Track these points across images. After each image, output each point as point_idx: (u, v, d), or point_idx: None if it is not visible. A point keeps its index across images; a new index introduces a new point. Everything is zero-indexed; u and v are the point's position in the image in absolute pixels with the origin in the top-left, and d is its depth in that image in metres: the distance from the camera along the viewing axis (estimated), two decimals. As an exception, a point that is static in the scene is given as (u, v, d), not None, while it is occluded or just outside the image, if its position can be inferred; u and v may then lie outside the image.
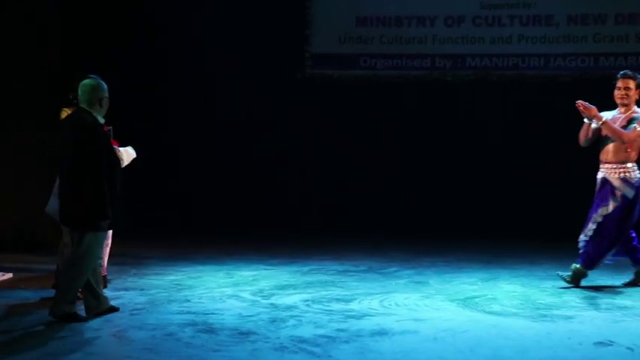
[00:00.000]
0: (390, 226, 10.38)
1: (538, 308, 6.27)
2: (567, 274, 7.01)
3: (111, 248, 6.77)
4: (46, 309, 6.08)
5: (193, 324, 5.69)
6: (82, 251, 5.72)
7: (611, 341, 5.29)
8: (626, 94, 6.89)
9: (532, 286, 7.06)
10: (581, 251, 6.99)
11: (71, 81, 6.44)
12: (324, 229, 10.25)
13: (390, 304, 6.35)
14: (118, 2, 10.64)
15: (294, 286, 7.06)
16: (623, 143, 6.79)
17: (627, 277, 7.55)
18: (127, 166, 6.30)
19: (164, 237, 9.85)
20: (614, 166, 6.87)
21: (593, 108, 6.84)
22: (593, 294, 6.81)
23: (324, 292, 6.80)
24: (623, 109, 6.92)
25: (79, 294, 5.96)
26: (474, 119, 10.61)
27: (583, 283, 7.10)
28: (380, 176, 10.67)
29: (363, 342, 5.25)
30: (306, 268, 7.96)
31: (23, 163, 9.10)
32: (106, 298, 6.00)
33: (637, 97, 6.95)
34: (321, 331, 5.49)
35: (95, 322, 5.75)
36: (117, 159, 5.92)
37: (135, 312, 6.05)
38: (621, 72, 7.06)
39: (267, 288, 6.98)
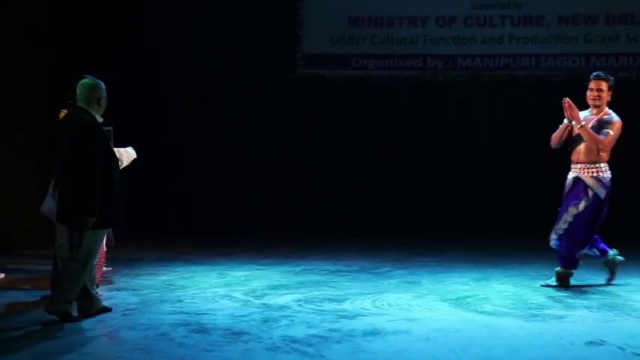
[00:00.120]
0: (382, 226, 10.39)
1: (530, 308, 6.28)
2: (552, 280, 7.05)
3: (106, 252, 6.77)
4: (39, 309, 6.08)
5: (186, 324, 5.68)
6: (81, 250, 5.72)
7: (602, 341, 5.31)
8: (599, 96, 6.90)
9: (524, 286, 7.08)
10: (593, 253, 7.07)
11: (69, 82, 6.48)
12: (317, 230, 10.25)
13: (383, 304, 6.36)
14: (116, 4, 10.62)
15: (286, 287, 7.06)
16: (598, 149, 6.83)
17: (618, 277, 7.58)
18: (127, 166, 6.32)
19: (156, 237, 9.83)
20: (587, 166, 6.91)
21: (576, 110, 6.86)
22: (584, 294, 6.83)
23: (317, 292, 6.80)
24: (595, 111, 6.95)
25: None
26: (466, 119, 10.63)
27: (573, 282, 7.13)
28: (372, 176, 10.69)
29: (355, 342, 5.26)
30: (298, 268, 7.96)
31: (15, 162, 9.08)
32: (98, 298, 5.99)
33: (609, 98, 6.97)
34: (313, 331, 5.49)
35: (88, 323, 5.74)
36: (115, 159, 5.91)
37: (127, 312, 6.04)
38: (594, 73, 7.06)
39: (259, 288, 6.98)
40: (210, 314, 5.98)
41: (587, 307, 6.30)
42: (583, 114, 6.97)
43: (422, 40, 10.72)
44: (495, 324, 5.78)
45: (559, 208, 7.00)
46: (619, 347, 5.18)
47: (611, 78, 7.00)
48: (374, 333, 5.47)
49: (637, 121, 10.37)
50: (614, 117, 6.93)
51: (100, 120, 5.85)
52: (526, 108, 10.31)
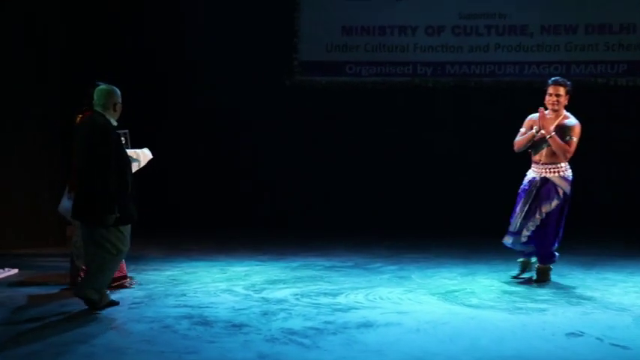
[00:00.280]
0: (374, 225, 10.40)
1: (514, 301, 6.31)
2: (532, 273, 7.07)
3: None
4: (51, 302, 6.10)
5: (189, 317, 5.69)
6: (98, 244, 5.78)
7: (581, 332, 5.34)
8: (557, 101, 6.90)
9: (508, 281, 7.10)
10: (529, 249, 7.04)
11: (84, 89, 6.57)
12: (313, 228, 10.25)
13: (375, 298, 6.37)
14: (116, 11, 10.62)
15: (284, 281, 7.07)
16: (565, 155, 6.86)
17: (596, 272, 7.63)
18: (143, 167, 6.39)
19: (161, 235, 9.83)
20: (553, 167, 6.93)
21: (548, 120, 6.85)
22: (565, 288, 6.86)
23: (313, 287, 6.81)
24: (553, 115, 6.94)
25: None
26: (454, 123, 10.65)
27: (555, 278, 7.16)
28: (365, 177, 10.69)
29: (349, 333, 5.28)
30: (295, 264, 7.97)
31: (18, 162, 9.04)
32: (107, 293, 6.01)
33: (566, 102, 6.96)
34: (309, 324, 5.51)
35: (95, 315, 5.75)
36: (128, 161, 5.98)
37: (134, 306, 6.05)
38: (552, 79, 7.03)
39: (258, 283, 6.99)
40: (212, 307, 5.99)
41: (567, 301, 6.33)
42: (536, 115, 6.98)
43: (412, 48, 10.74)
44: (481, 316, 5.80)
45: (522, 207, 6.91)
46: (597, 338, 5.21)
47: (569, 83, 6.98)
48: (367, 325, 5.49)
49: (615, 124, 10.45)
50: (573, 120, 6.93)
51: (115, 124, 5.90)
52: (510, 112, 10.28)
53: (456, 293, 6.58)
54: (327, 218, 10.55)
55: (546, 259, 7.03)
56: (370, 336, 5.23)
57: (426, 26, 10.71)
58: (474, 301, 6.32)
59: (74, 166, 6.54)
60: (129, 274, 6.87)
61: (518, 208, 7.00)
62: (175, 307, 6.01)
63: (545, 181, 6.93)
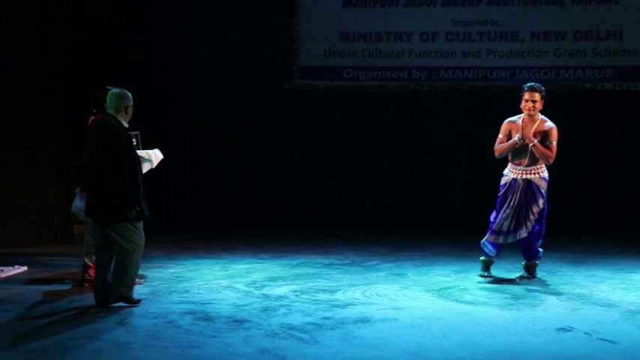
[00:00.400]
0: (371, 223, 10.39)
1: (505, 297, 6.30)
2: (522, 274, 7.06)
3: None
4: (59, 299, 6.08)
5: (192, 313, 5.68)
6: (120, 242, 5.81)
7: (571, 327, 5.34)
8: (533, 106, 6.86)
9: (500, 278, 7.09)
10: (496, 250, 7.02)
11: (93, 92, 6.60)
12: (312, 227, 10.24)
13: (372, 295, 6.36)
14: (119, 15, 10.61)
15: (284, 278, 7.06)
16: (548, 161, 6.86)
17: (585, 269, 7.62)
18: (153, 167, 6.41)
19: (165, 234, 9.81)
20: (534, 168, 6.92)
21: (530, 129, 6.83)
22: (555, 284, 6.85)
23: (312, 284, 6.80)
24: (528, 119, 6.90)
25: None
26: (447, 125, 10.65)
27: (545, 275, 7.15)
28: (363, 177, 10.68)
29: (347, 329, 5.27)
30: (295, 262, 7.96)
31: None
32: (112, 289, 5.99)
33: (541, 107, 6.93)
34: (308, 319, 5.50)
35: (102, 311, 5.74)
36: (138, 161, 6.01)
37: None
38: (528, 85, 6.96)
39: (259, 280, 6.98)
40: (214, 304, 5.98)
41: (557, 297, 6.32)
42: (515, 119, 6.96)
43: (407, 53, 10.74)
44: (474, 312, 5.79)
45: (511, 207, 6.89)
46: (586, 333, 5.21)
47: (543, 88, 6.94)
48: (364, 321, 5.48)
49: (602, 126, 10.46)
50: (550, 124, 6.92)
51: (126, 126, 5.93)
52: (502, 115, 10.27)
53: (450, 290, 6.58)
54: (326, 217, 10.54)
55: (533, 255, 7.04)
56: (367, 331, 5.22)
57: (420, 32, 10.71)
58: (468, 297, 6.31)
59: (85, 166, 6.57)
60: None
61: (507, 209, 6.93)
62: (179, 303, 5.99)
63: (527, 182, 6.92)
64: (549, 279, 7.09)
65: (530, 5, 10.52)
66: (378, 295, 6.33)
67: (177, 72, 10.79)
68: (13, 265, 7.43)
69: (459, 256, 8.25)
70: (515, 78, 10.50)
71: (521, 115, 6.96)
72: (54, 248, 8.73)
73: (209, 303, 6.00)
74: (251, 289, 6.54)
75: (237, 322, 5.41)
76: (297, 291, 6.47)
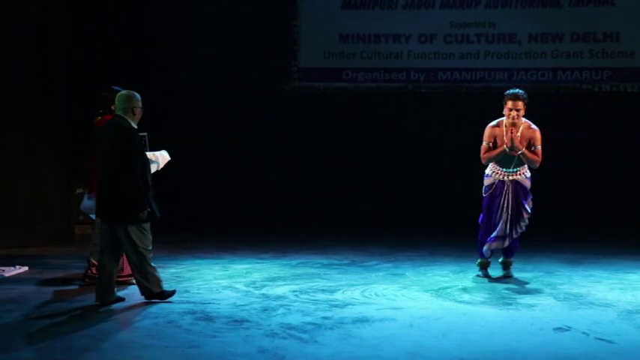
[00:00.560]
0: (370, 224, 10.38)
1: (503, 297, 6.30)
2: (506, 272, 7.06)
3: None
4: (59, 299, 6.07)
5: (192, 312, 5.68)
6: (132, 241, 5.82)
7: (568, 327, 5.33)
8: (518, 115, 6.84)
9: (498, 278, 7.08)
10: (504, 246, 7.01)
11: (98, 93, 6.61)
12: (311, 227, 10.24)
13: (371, 294, 6.36)
14: (119, 17, 10.60)
15: (283, 278, 7.05)
16: (536, 166, 6.89)
17: (582, 269, 7.61)
18: (159, 168, 6.43)
19: (165, 234, 9.80)
20: (517, 170, 6.94)
21: (518, 138, 6.82)
22: (552, 284, 6.85)
23: (311, 284, 6.79)
24: (511, 123, 6.86)
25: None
26: (446, 126, 10.64)
27: (542, 275, 7.15)
28: (361, 178, 10.67)
29: (346, 328, 5.26)
30: (294, 262, 7.95)
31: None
32: (114, 290, 5.99)
33: (524, 112, 6.90)
34: (308, 319, 5.50)
35: (103, 311, 5.73)
36: (148, 163, 6.03)
37: (138, 302, 6.02)
38: (510, 93, 6.87)
39: (259, 280, 6.97)
40: (214, 304, 5.98)
41: (554, 297, 6.32)
42: (495, 124, 6.93)
43: (406, 55, 10.74)
44: (472, 312, 5.79)
45: (505, 210, 6.88)
46: (583, 333, 5.20)
47: (526, 95, 6.88)
48: (363, 320, 5.47)
49: (599, 127, 10.46)
50: (534, 127, 6.91)
51: (135, 127, 5.95)
52: (500, 115, 10.28)
53: (449, 290, 6.57)
54: (325, 218, 10.53)
55: (512, 253, 7.08)
56: (366, 331, 5.21)
57: (419, 34, 10.71)
58: (466, 297, 6.31)
59: (92, 167, 6.57)
60: None
61: (502, 213, 6.91)
62: (179, 303, 5.98)
63: (515, 183, 6.94)
64: (547, 279, 7.08)
65: (527, 7, 10.52)
66: (377, 295, 6.32)
67: (177, 73, 10.78)
68: (14, 266, 7.42)
69: (457, 257, 8.24)
70: (512, 79, 10.50)
71: (502, 119, 6.94)
72: (55, 248, 8.72)
73: (209, 303, 5.99)
74: (251, 289, 6.54)
75: (237, 322, 5.40)
76: (296, 291, 6.47)
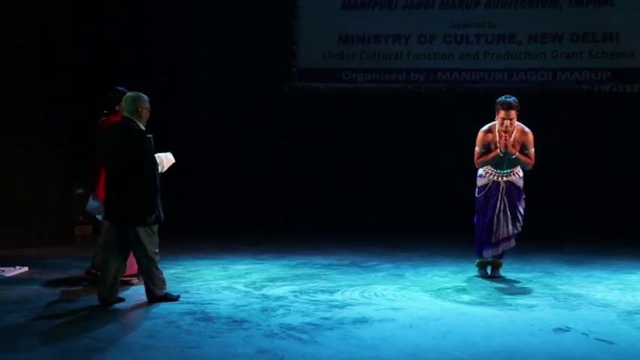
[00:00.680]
0: (370, 224, 10.37)
1: (503, 298, 6.29)
2: (497, 273, 7.09)
3: None
4: (58, 299, 6.06)
5: (192, 313, 5.67)
6: (141, 243, 5.84)
7: (568, 327, 5.33)
8: (511, 124, 6.83)
9: (497, 278, 7.08)
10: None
11: (104, 94, 6.62)
12: (311, 228, 10.23)
13: (370, 295, 6.35)
14: (118, 17, 10.60)
15: (283, 279, 7.05)
16: (530, 167, 6.93)
17: (582, 270, 7.60)
18: (163, 170, 6.44)
19: (164, 235, 9.78)
20: (510, 171, 6.96)
21: (511, 142, 6.83)
22: (552, 285, 6.84)
23: (311, 284, 6.79)
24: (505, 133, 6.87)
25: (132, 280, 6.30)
26: (445, 127, 10.63)
27: (542, 275, 7.14)
28: (361, 179, 10.67)
29: (345, 329, 5.26)
30: (294, 263, 7.94)
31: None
32: (117, 290, 5.98)
33: (517, 118, 6.90)
34: (307, 319, 5.49)
35: (103, 312, 5.73)
36: (156, 165, 6.03)
37: (139, 302, 6.02)
38: (504, 102, 6.80)
39: (258, 280, 6.97)
40: (214, 304, 5.97)
41: (554, 297, 6.31)
42: (487, 128, 6.92)
43: (405, 55, 10.73)
44: (472, 312, 5.78)
45: (503, 214, 6.90)
46: (583, 333, 5.20)
47: (518, 103, 6.85)
48: (362, 321, 5.46)
49: (599, 128, 10.45)
50: (526, 130, 6.92)
51: (143, 128, 5.94)
52: (499, 117, 10.29)
53: (448, 290, 6.57)
54: (325, 218, 10.53)
55: (503, 254, 7.07)
56: (365, 331, 5.21)
57: (418, 35, 10.71)
58: (465, 297, 6.30)
59: (96, 168, 6.57)
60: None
61: (500, 215, 6.92)
62: (179, 303, 5.98)
63: (509, 184, 6.96)
64: (547, 279, 7.08)
65: (527, 8, 10.52)
66: (377, 296, 6.32)
67: (177, 73, 10.77)
68: (14, 266, 7.41)
69: (457, 257, 8.24)
70: (512, 80, 10.51)
71: (494, 123, 6.94)
72: (55, 249, 8.71)
73: (209, 303, 5.99)
74: (250, 290, 6.53)
75: (237, 323, 5.40)
76: (296, 291, 6.46)
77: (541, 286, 6.76)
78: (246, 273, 7.33)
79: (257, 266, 7.72)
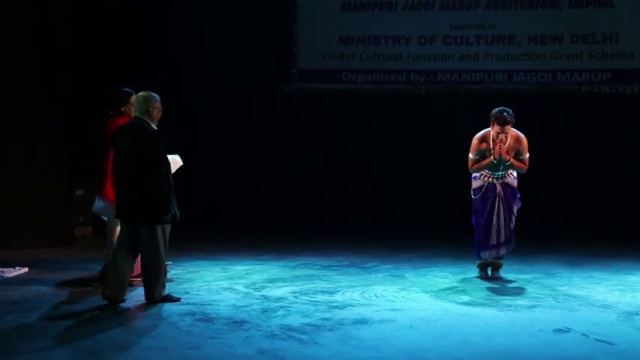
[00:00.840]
0: (370, 225, 10.38)
1: (503, 299, 6.29)
2: (497, 274, 7.10)
3: None
4: (58, 299, 6.06)
5: (192, 314, 5.67)
6: (156, 243, 5.87)
7: (568, 328, 5.33)
8: (506, 137, 6.84)
9: (497, 279, 7.08)
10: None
11: (111, 94, 6.63)
12: (311, 228, 10.23)
13: (370, 296, 6.35)
14: (118, 17, 10.61)
15: (283, 280, 7.05)
16: (524, 171, 6.97)
17: (582, 271, 7.60)
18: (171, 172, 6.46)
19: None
20: (507, 172, 6.99)
21: (505, 148, 6.85)
22: (552, 286, 6.84)
23: (311, 285, 6.79)
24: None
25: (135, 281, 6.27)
26: (445, 128, 10.63)
27: (542, 276, 7.14)
28: (361, 179, 10.68)
29: (345, 330, 5.26)
30: (294, 263, 7.94)
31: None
32: (125, 290, 6.00)
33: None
34: (307, 320, 5.49)
35: (104, 312, 5.73)
36: (169, 163, 6.05)
37: (139, 302, 6.02)
38: (499, 116, 6.76)
39: (259, 281, 6.97)
40: (214, 305, 5.97)
41: (554, 298, 6.31)
42: (482, 135, 6.94)
43: (405, 56, 10.74)
44: (472, 313, 5.78)
45: (499, 216, 6.93)
46: (583, 334, 5.20)
47: (513, 115, 6.83)
48: (362, 322, 5.46)
49: (599, 129, 10.46)
50: (520, 136, 6.93)
51: (155, 128, 5.94)
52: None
53: (448, 291, 6.57)
54: (324, 219, 10.53)
55: (502, 255, 7.09)
56: (365, 332, 5.21)
57: (418, 36, 10.72)
58: (465, 298, 6.30)
59: (101, 168, 6.56)
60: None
61: (497, 217, 6.94)
62: (179, 304, 5.98)
63: (504, 185, 7.00)
64: (547, 280, 7.08)
65: (527, 9, 10.53)
66: (377, 297, 6.32)
67: (177, 74, 10.77)
68: (14, 267, 7.41)
69: (457, 258, 8.24)
70: (512, 81, 10.52)
71: (489, 130, 6.95)
72: (55, 249, 8.71)
73: (209, 304, 5.99)
74: (250, 291, 6.53)
75: (237, 323, 5.40)
76: (296, 292, 6.46)
77: (541, 287, 6.76)
78: (247, 274, 7.33)
79: (257, 267, 7.72)
